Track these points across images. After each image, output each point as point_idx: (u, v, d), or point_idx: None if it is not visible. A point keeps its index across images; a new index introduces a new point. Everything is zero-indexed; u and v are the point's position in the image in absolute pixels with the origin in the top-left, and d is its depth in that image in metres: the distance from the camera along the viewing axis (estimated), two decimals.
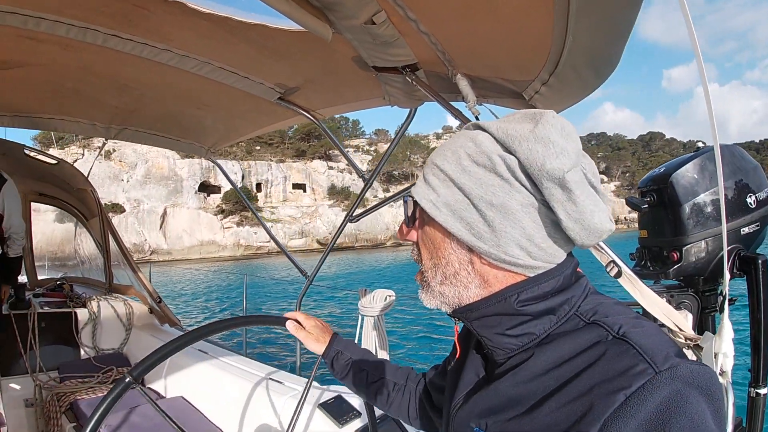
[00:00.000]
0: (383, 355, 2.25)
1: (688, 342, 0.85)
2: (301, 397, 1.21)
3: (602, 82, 1.04)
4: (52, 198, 3.87)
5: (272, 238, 2.86)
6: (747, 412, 0.97)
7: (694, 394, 0.46)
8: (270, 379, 2.24)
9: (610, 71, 0.97)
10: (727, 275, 0.75)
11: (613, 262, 0.99)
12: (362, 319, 2.30)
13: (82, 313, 3.47)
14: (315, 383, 2.20)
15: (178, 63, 1.65)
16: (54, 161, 3.26)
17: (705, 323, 1.05)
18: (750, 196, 1.03)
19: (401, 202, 0.75)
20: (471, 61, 1.20)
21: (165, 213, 54.89)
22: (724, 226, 0.68)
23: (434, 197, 0.59)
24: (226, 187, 59.28)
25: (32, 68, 1.75)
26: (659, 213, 1.06)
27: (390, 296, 2.25)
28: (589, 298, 0.59)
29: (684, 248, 1.01)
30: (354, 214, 2.21)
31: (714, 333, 1.05)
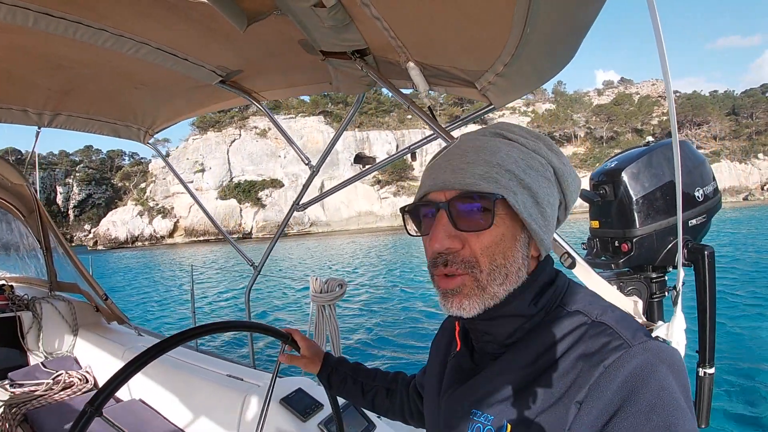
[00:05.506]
0: (336, 342, 2.23)
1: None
2: (267, 395, 1.16)
3: (557, 72, 1.03)
4: None
5: (215, 225, 2.74)
6: (695, 391, 1.03)
7: (662, 365, 0.53)
8: (229, 375, 2.17)
9: (566, 63, 0.96)
10: (681, 271, 0.78)
11: (568, 253, 1.01)
12: (314, 307, 2.25)
13: (26, 317, 3.25)
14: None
15: (113, 45, 1.51)
16: None
17: (652, 309, 1.09)
18: (698, 190, 1.08)
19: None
20: (424, 48, 1.16)
21: (322, 186, 53.42)
22: (680, 220, 0.70)
23: (515, 197, 0.60)
24: (381, 156, 57.43)
25: None
26: (611, 205, 1.09)
27: (342, 284, 2.22)
28: (570, 289, 0.66)
29: (635, 239, 1.05)
30: (301, 203, 2.17)
31: (662, 318, 1.09)
